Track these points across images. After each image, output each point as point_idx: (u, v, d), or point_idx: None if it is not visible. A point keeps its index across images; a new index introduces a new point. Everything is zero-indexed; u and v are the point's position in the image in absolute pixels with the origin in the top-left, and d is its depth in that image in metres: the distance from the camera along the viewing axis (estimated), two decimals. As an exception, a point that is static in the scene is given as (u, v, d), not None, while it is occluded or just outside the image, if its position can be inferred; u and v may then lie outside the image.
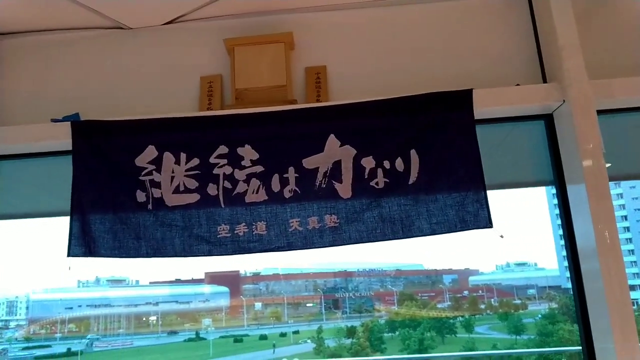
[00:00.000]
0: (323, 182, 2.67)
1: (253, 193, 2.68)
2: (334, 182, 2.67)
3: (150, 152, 2.74)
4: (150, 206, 2.68)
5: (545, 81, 2.88)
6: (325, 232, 2.63)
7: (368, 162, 2.67)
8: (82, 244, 2.66)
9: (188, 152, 2.73)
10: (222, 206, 2.67)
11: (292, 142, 2.72)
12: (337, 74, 2.98)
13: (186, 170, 2.71)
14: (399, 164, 2.66)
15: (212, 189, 2.69)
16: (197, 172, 2.71)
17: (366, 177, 2.66)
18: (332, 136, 2.71)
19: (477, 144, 2.65)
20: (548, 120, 2.87)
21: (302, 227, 2.64)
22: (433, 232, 2.60)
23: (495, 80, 2.85)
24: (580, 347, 2.66)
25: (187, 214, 2.67)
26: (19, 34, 3.16)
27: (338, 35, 3.06)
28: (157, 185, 2.70)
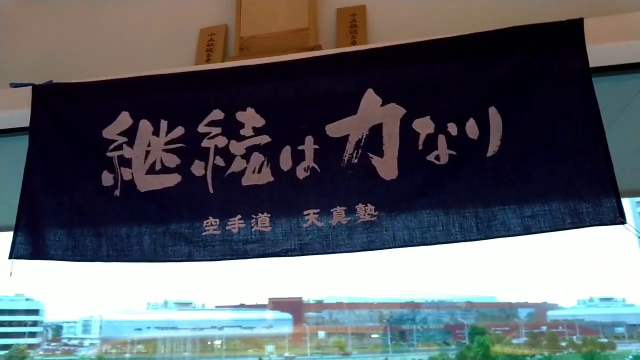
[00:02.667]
0: (355, 155, 1.81)
1: (254, 173, 1.86)
2: (371, 155, 1.80)
3: (124, 120, 2.01)
4: (117, 192, 1.94)
5: None
6: (357, 229, 1.76)
7: (424, 126, 1.79)
8: (29, 242, 1.95)
9: (171, 120, 1.97)
10: (211, 191, 1.87)
11: (312, 102, 1.90)
12: (380, 15, 2.14)
13: (166, 143, 1.95)
14: (472, 127, 1.76)
15: (197, 168, 1.90)
16: (180, 145, 1.94)
17: (420, 147, 1.78)
18: (370, 91, 1.86)
19: (594, 96, 1.71)
20: None
21: (322, 221, 1.78)
22: (527, 230, 1.65)
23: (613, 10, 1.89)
24: None
25: (164, 202, 1.89)
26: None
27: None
28: (128, 163, 1.96)
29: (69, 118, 2.07)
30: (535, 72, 1.76)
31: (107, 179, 1.96)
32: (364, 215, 1.75)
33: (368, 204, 1.76)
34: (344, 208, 1.77)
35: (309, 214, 1.79)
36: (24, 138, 2.09)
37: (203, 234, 1.84)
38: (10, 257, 1.95)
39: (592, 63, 1.83)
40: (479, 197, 1.69)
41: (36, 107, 2.09)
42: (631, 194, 3.04)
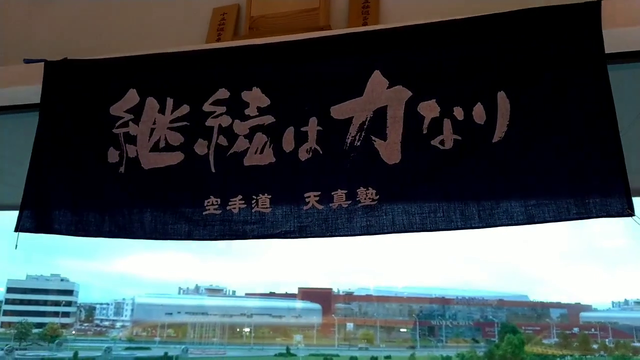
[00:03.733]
0: (358, 138, 1.77)
1: (256, 153, 1.84)
2: (374, 138, 1.75)
3: (131, 97, 2.02)
4: (122, 169, 1.95)
5: None
6: (357, 213, 1.72)
7: (429, 109, 1.73)
8: (35, 215, 1.99)
9: (177, 98, 1.97)
10: (213, 170, 1.86)
11: (318, 83, 1.86)
12: (394, -5, 2.08)
13: (171, 122, 1.95)
14: (479, 112, 1.69)
15: (200, 147, 1.89)
16: (184, 123, 1.94)
17: (425, 131, 1.72)
18: (377, 72, 1.81)
19: (609, 84, 1.61)
20: None
21: (322, 204, 1.75)
22: (530, 220, 1.58)
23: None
24: None
25: (166, 180, 1.90)
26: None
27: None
28: (133, 140, 1.96)
29: (78, 94, 2.09)
30: (548, 57, 1.68)
31: (112, 155, 1.98)
32: (365, 199, 1.71)
33: (369, 188, 1.72)
34: (345, 191, 1.74)
35: (309, 197, 1.76)
36: (38, 114, 2.13)
37: (204, 213, 1.83)
38: (16, 230, 1.99)
39: (616, 49, 1.73)
40: (483, 184, 1.63)
41: (47, 83, 2.13)
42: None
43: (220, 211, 1.82)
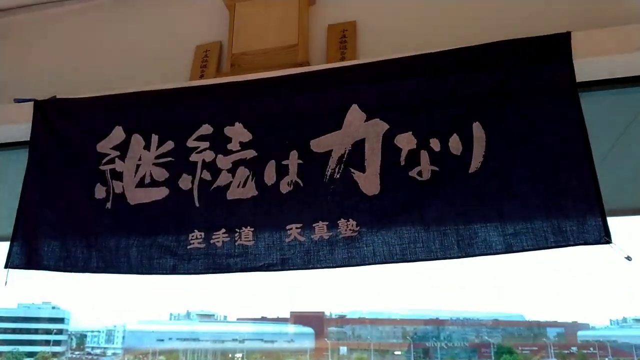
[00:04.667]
0: (337, 170, 1.82)
1: (239, 187, 1.88)
2: (353, 170, 1.80)
3: (117, 134, 2.06)
4: (109, 204, 1.98)
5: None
6: (338, 244, 1.75)
7: (406, 141, 1.78)
8: (24, 252, 2.01)
9: (162, 134, 2.02)
10: (197, 205, 1.90)
11: (298, 117, 1.92)
12: (370, 29, 2.14)
13: (156, 157, 1.99)
14: (455, 143, 1.75)
15: (185, 182, 1.93)
16: (169, 159, 1.98)
17: (402, 163, 1.77)
18: (354, 106, 1.87)
19: (581, 111, 1.68)
20: None
21: (304, 236, 1.79)
22: (508, 249, 1.62)
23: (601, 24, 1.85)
24: None
25: (152, 215, 1.93)
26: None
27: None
28: (119, 176, 2.00)
29: (66, 132, 2.14)
30: (521, 87, 1.74)
31: (100, 191, 2.01)
32: (346, 230, 1.75)
33: (350, 219, 1.76)
34: (326, 223, 1.78)
35: (291, 229, 1.80)
36: (25, 151, 2.17)
37: (188, 247, 1.86)
38: (6, 267, 2.01)
39: (588, 77, 1.80)
40: (461, 214, 1.67)
41: (36, 121, 2.17)
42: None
43: (204, 245, 1.85)
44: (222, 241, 1.84)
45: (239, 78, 2.02)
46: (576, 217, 1.58)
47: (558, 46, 1.75)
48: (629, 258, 1.54)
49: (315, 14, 2.24)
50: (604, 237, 1.54)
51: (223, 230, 1.85)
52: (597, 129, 2.30)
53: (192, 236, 1.87)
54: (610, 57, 1.77)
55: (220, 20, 2.33)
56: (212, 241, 1.85)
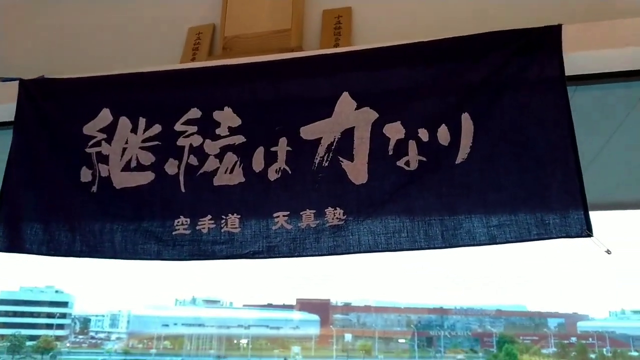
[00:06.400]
0: (326, 158, 1.78)
1: (226, 173, 1.85)
2: (341, 159, 1.77)
3: (104, 116, 2.03)
4: (94, 188, 1.96)
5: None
6: (324, 233, 1.73)
7: (394, 131, 1.75)
8: (7, 235, 1.99)
9: (149, 117, 1.99)
10: (183, 190, 1.87)
11: (289, 104, 1.88)
12: (365, 16, 2.11)
13: (143, 141, 1.96)
14: (443, 133, 1.71)
15: (171, 167, 1.90)
16: (156, 142, 1.95)
17: (390, 152, 1.74)
18: (345, 94, 1.83)
19: (569, 105, 1.64)
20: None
21: (291, 224, 1.76)
22: (492, 240, 1.60)
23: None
24: None
25: (137, 199, 1.91)
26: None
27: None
28: (105, 160, 1.98)
29: (52, 113, 2.10)
30: (511, 79, 1.71)
31: (85, 174, 1.98)
32: (333, 219, 1.73)
33: (337, 208, 1.73)
34: (314, 211, 1.75)
35: (278, 216, 1.78)
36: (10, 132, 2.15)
37: (173, 233, 1.84)
38: (-10, 249, 2.00)
39: (578, 70, 1.76)
40: (446, 204, 1.65)
41: (22, 101, 2.13)
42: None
43: (190, 231, 1.83)
44: (208, 228, 1.82)
45: (231, 62, 1.98)
46: (559, 210, 1.57)
47: (549, 39, 1.71)
48: (608, 252, 1.53)
49: (311, -1, 2.19)
50: (586, 231, 1.53)
51: (209, 216, 1.82)
52: (592, 123, 2.26)
53: (178, 222, 1.84)
54: (601, 52, 1.72)
55: (214, 2, 2.29)
56: (197, 227, 1.82)
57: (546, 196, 1.57)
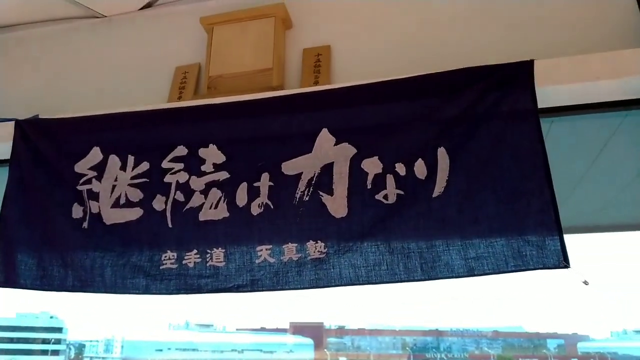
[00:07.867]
0: (306, 193, 1.86)
1: (211, 208, 1.92)
2: (321, 193, 1.84)
3: (95, 154, 2.11)
4: (85, 224, 2.02)
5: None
6: (306, 266, 1.79)
7: (372, 166, 1.82)
8: (2, 270, 2.05)
9: (138, 155, 2.06)
10: (170, 225, 1.94)
11: (271, 140, 1.96)
12: (344, 54, 2.20)
13: (131, 178, 2.03)
14: (420, 167, 1.79)
15: (158, 203, 1.97)
16: (144, 180, 2.02)
17: (369, 187, 1.81)
18: (324, 131, 1.91)
19: (542, 137, 1.72)
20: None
21: (273, 257, 1.82)
22: (470, 272, 1.65)
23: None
24: None
25: (126, 235, 1.97)
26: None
27: (348, 11, 2.28)
28: (96, 196, 2.04)
29: (46, 152, 2.18)
30: (485, 113, 1.78)
31: (77, 211, 2.05)
32: (314, 252, 1.79)
33: (318, 241, 1.80)
34: (295, 244, 1.81)
35: (262, 250, 1.84)
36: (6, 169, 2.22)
37: (161, 267, 1.90)
38: (-15, 284, 2.05)
39: (552, 103, 1.84)
40: (424, 237, 1.71)
41: (17, 140, 2.21)
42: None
43: (177, 265, 1.89)
44: (194, 262, 1.87)
45: (215, 101, 2.06)
46: (536, 241, 1.61)
47: (522, 73, 1.79)
48: (586, 283, 1.57)
49: (291, 37, 2.29)
50: (562, 262, 1.58)
51: (195, 251, 1.88)
52: (573, 152, 2.35)
53: (165, 257, 1.90)
54: (572, 85, 1.80)
55: (200, 42, 2.38)
56: (184, 262, 1.88)
57: (522, 228, 1.63)
